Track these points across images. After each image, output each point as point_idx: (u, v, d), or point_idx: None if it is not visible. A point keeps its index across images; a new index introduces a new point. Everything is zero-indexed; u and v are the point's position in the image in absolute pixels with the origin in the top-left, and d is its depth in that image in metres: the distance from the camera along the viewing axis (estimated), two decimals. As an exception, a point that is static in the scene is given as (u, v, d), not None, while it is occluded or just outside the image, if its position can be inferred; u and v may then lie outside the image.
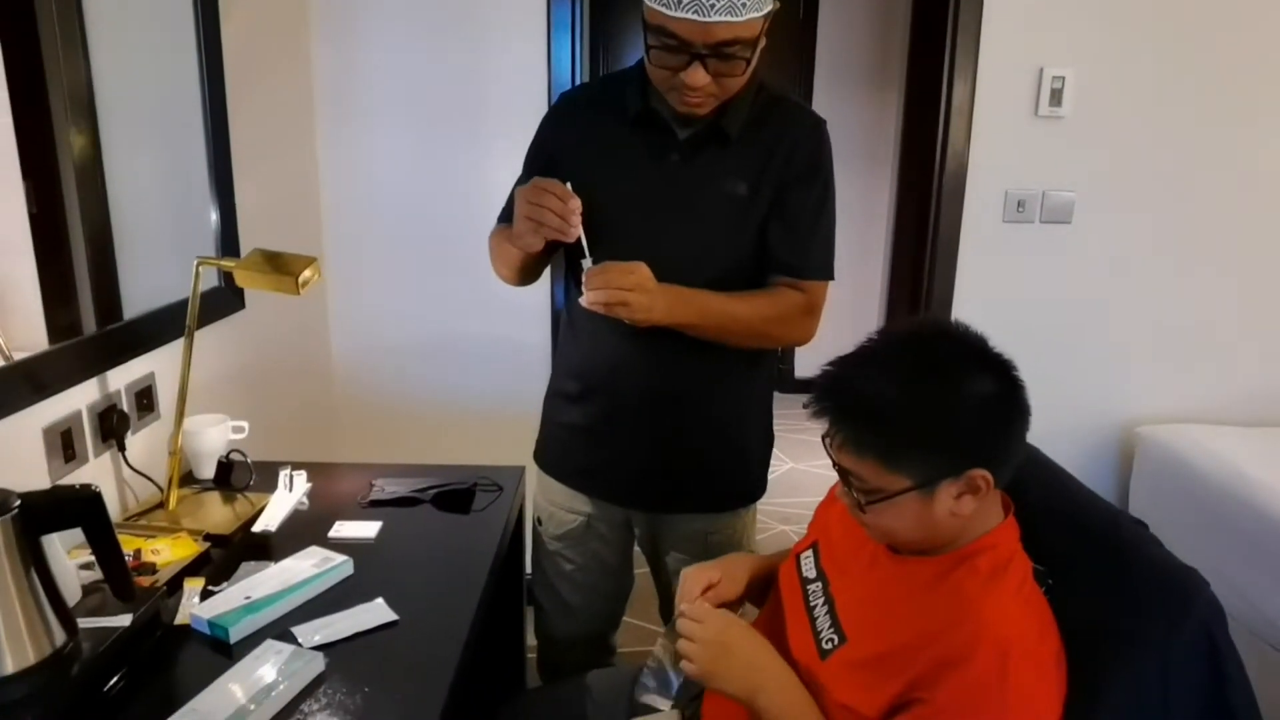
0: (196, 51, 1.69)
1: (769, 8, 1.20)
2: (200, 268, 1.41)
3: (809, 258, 1.38)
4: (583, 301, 1.26)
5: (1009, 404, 0.97)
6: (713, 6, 1.14)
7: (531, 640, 1.73)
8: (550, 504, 1.58)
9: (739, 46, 1.19)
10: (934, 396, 0.94)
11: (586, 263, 1.27)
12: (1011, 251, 2.46)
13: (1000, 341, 1.03)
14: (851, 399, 0.97)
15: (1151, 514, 2.52)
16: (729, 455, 1.49)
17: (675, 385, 1.42)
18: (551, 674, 1.68)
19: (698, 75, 1.20)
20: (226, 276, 1.75)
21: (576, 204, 1.25)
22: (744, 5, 1.15)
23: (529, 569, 1.70)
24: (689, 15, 1.15)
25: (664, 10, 1.16)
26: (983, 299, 2.48)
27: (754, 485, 1.54)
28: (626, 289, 1.22)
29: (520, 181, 1.40)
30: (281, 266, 1.38)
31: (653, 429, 1.44)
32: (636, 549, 1.62)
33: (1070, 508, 1.09)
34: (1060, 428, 2.59)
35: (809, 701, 1.00)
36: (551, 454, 1.57)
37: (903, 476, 0.94)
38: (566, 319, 1.53)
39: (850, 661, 0.99)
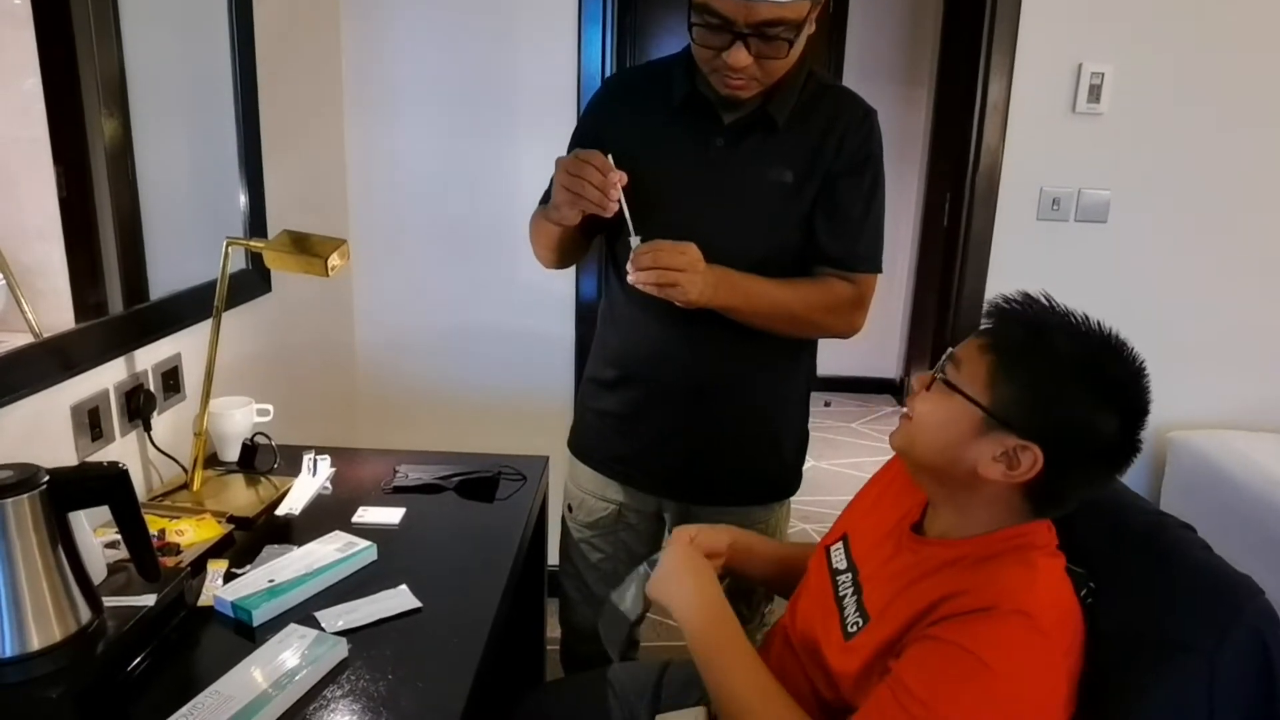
0: (229, 35, 1.68)
1: None
2: (229, 248, 1.40)
3: (858, 249, 1.36)
4: (631, 279, 1.22)
5: (1110, 451, 0.95)
6: None
7: (553, 632, 1.72)
8: (581, 491, 1.56)
9: (782, 28, 1.17)
10: (1075, 385, 0.93)
11: (634, 240, 1.22)
12: (1045, 250, 2.42)
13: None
14: (1037, 319, 0.97)
15: (1183, 520, 2.48)
16: (765, 448, 1.47)
17: (714, 375, 1.40)
18: (574, 665, 1.66)
19: (739, 55, 1.18)
20: (254, 259, 1.75)
21: (618, 177, 1.22)
22: None
23: (552, 560, 1.69)
24: None
25: None
26: (1014, 298, 2.43)
27: (789, 480, 1.52)
28: (678, 269, 1.20)
29: None
30: (310, 249, 1.37)
31: (689, 419, 1.42)
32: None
33: (1112, 509, 1.06)
34: (1090, 431, 2.55)
35: (733, 638, 1.06)
36: (585, 440, 1.56)
37: (990, 393, 0.94)
38: (605, 304, 1.51)
39: (873, 639, 0.98)
